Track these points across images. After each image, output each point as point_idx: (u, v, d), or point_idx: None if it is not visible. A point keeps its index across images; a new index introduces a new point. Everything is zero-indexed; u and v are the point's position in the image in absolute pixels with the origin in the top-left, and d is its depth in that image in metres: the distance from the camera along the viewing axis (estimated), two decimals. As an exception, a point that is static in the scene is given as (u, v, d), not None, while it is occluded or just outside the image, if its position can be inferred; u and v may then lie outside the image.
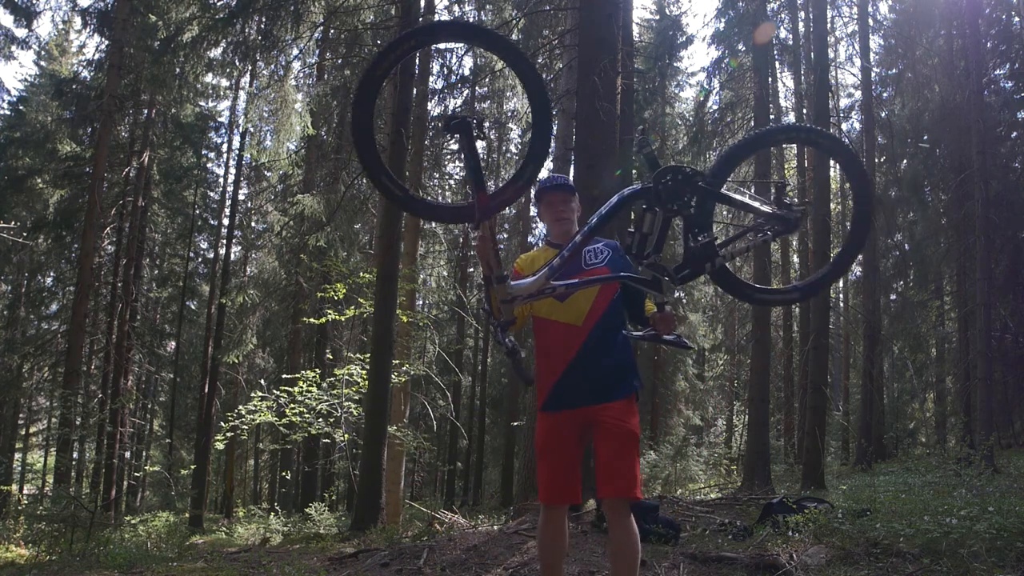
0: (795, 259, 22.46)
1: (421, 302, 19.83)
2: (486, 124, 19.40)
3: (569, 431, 2.83)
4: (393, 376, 9.63)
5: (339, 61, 15.05)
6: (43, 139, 16.81)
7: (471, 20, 15.29)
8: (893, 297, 21.09)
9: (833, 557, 4.12)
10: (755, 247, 2.61)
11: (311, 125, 11.57)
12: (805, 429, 10.23)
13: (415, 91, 10.93)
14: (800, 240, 19.80)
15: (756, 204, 2.47)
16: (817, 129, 2.50)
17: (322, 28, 11.76)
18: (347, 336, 19.95)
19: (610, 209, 2.42)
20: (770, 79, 14.20)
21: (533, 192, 3.04)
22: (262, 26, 10.16)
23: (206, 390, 19.19)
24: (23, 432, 24.45)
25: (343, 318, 12.40)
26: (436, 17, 13.94)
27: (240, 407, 11.75)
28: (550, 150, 2.38)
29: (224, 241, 20.38)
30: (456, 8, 15.04)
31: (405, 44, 2.13)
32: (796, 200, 2.53)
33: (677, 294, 22.32)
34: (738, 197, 2.45)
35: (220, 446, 12.47)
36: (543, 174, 2.91)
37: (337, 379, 11.12)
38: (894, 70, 19.61)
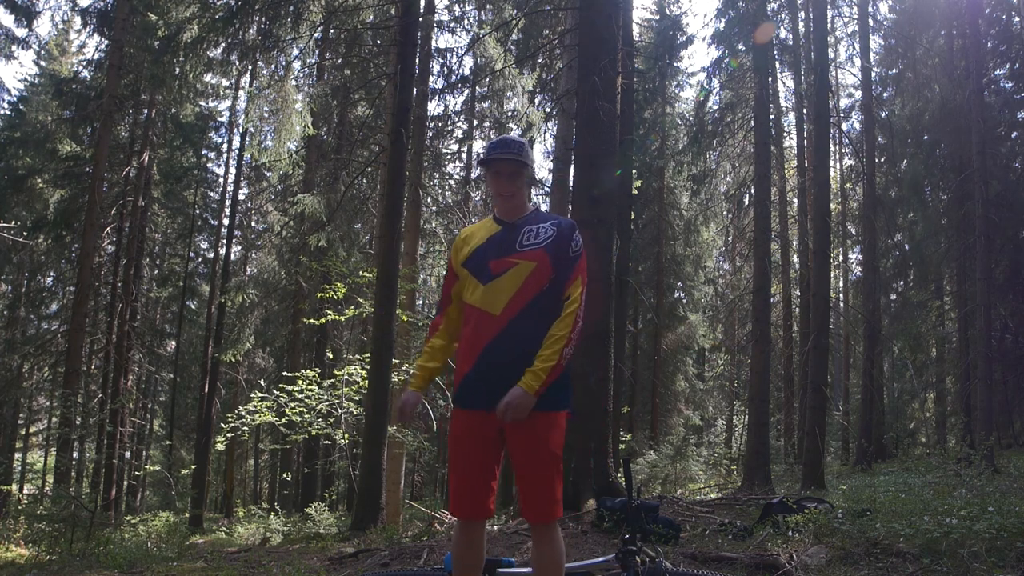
0: (795, 259, 22.47)
1: (421, 302, 19.85)
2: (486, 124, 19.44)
3: (482, 436, 2.49)
4: (393, 376, 9.63)
5: (339, 61, 15.06)
6: (43, 139, 16.80)
7: (472, 21, 15.29)
8: (893, 297, 21.09)
9: (833, 557, 4.12)
10: None
11: (311, 125, 11.56)
12: (805, 429, 10.23)
13: (415, 91, 10.92)
14: (800, 240, 19.81)
15: None
16: None
17: (322, 28, 11.75)
18: (347, 336, 19.95)
19: None
20: (770, 79, 14.18)
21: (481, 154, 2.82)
22: (262, 26, 10.15)
23: (206, 390, 19.18)
24: (23, 432, 24.44)
25: (343, 318, 12.40)
26: (436, 17, 13.94)
27: (240, 408, 11.75)
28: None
29: (224, 241, 20.38)
30: (456, 8, 15.03)
31: None
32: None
33: (677, 294, 22.34)
34: None
35: (220, 447, 12.48)
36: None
37: (337, 379, 11.12)
38: (894, 70, 19.61)
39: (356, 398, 11.21)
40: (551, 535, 2.49)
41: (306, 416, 10.92)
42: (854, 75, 21.10)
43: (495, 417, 2.44)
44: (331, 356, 13.71)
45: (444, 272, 19.29)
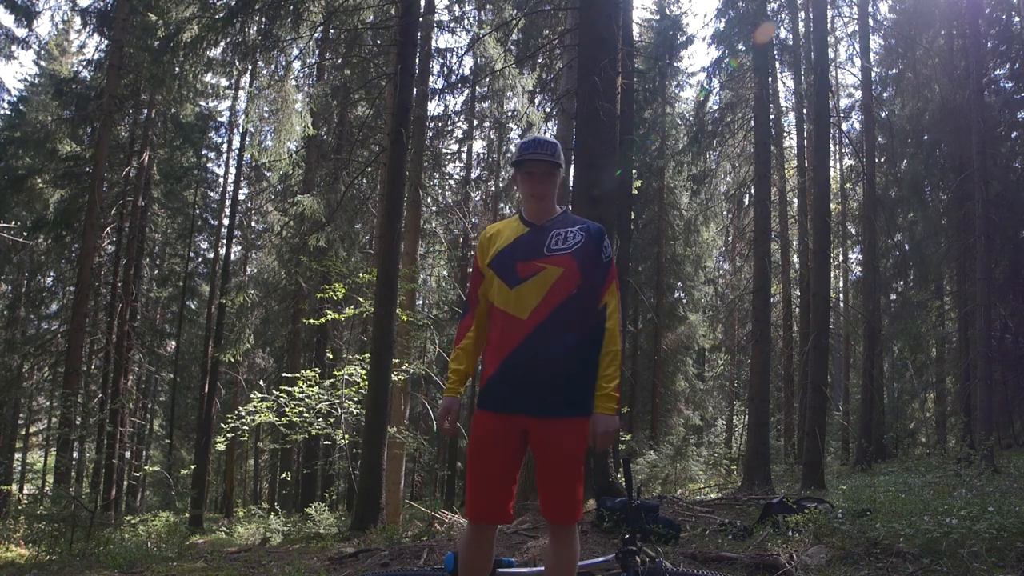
0: (795, 259, 22.46)
1: (421, 302, 19.83)
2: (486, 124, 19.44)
3: (505, 439, 2.49)
4: (393, 376, 9.62)
5: (339, 61, 15.06)
6: (43, 139, 16.78)
7: (472, 21, 15.29)
8: (893, 297, 21.09)
9: (833, 557, 4.12)
10: None
11: (311, 125, 11.56)
12: (805, 429, 10.23)
13: (415, 91, 10.92)
14: (800, 240, 19.81)
15: None
16: None
17: (322, 28, 11.75)
18: (347, 336, 19.96)
19: None
20: (770, 79, 14.18)
21: (513, 154, 2.63)
22: (262, 26, 10.16)
23: (206, 390, 19.18)
24: (23, 432, 24.45)
25: (343, 318, 12.40)
26: (436, 17, 13.94)
27: (240, 408, 11.75)
28: None
29: (224, 241, 20.38)
30: (456, 8, 15.03)
31: None
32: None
33: (677, 294, 22.34)
34: None
35: (220, 447, 12.47)
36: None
37: (337, 379, 11.12)
38: (894, 70, 19.61)
39: (356, 398, 11.20)
40: (570, 537, 2.52)
41: (306, 416, 10.91)
42: (854, 75, 21.12)
43: (519, 420, 2.47)
44: (331, 356, 13.71)
45: (445, 272, 19.34)
